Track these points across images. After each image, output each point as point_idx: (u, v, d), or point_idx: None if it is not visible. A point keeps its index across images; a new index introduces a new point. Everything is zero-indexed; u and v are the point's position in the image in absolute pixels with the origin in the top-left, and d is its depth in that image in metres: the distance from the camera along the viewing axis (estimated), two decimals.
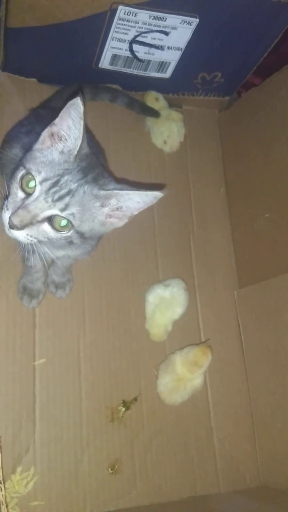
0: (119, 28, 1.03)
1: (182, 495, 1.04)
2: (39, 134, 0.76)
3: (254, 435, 1.12)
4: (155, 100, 1.27)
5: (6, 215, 0.70)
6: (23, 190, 0.71)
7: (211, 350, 1.08)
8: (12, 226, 0.69)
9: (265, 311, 1.11)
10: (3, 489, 0.82)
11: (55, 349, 1.03)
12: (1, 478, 0.82)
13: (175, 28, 1.04)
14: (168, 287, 1.10)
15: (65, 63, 1.13)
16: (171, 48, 1.11)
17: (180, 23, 1.03)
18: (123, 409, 1.04)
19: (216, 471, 1.08)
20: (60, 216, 0.70)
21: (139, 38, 1.07)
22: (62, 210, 0.69)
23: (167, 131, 1.27)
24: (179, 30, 1.05)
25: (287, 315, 1.04)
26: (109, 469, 1.00)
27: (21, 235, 0.71)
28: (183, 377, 1.04)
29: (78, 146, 0.71)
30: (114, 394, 1.05)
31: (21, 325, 1.02)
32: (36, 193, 0.69)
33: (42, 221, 0.70)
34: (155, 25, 1.03)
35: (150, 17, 1.01)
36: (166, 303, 1.09)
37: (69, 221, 0.70)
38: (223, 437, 1.10)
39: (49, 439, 0.98)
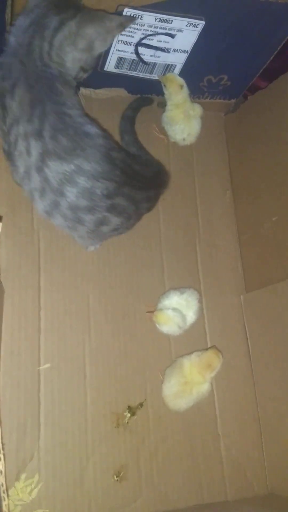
0: (124, 30, 1.03)
1: (188, 502, 1.02)
2: (45, 138, 0.74)
3: (262, 441, 1.11)
4: (179, 87, 1.13)
5: None
6: None
7: (221, 353, 1.07)
8: None
9: (272, 316, 1.10)
10: (6, 498, 0.80)
11: (60, 354, 1.02)
12: (4, 486, 0.80)
13: (181, 31, 1.04)
14: (184, 294, 1.09)
15: None
16: (177, 51, 1.10)
17: (186, 26, 1.02)
18: (129, 414, 1.03)
19: (223, 478, 1.06)
20: None
21: (144, 41, 1.06)
22: None
23: (188, 129, 1.23)
24: (185, 33, 1.04)
25: None
26: (115, 476, 0.99)
27: None
28: (190, 380, 1.03)
29: None
30: (120, 400, 1.04)
31: (26, 330, 1.01)
32: None
33: None
34: (160, 28, 1.03)
35: (156, 19, 1.00)
36: (180, 307, 1.08)
37: None
38: (230, 443, 1.09)
39: (54, 445, 0.97)
